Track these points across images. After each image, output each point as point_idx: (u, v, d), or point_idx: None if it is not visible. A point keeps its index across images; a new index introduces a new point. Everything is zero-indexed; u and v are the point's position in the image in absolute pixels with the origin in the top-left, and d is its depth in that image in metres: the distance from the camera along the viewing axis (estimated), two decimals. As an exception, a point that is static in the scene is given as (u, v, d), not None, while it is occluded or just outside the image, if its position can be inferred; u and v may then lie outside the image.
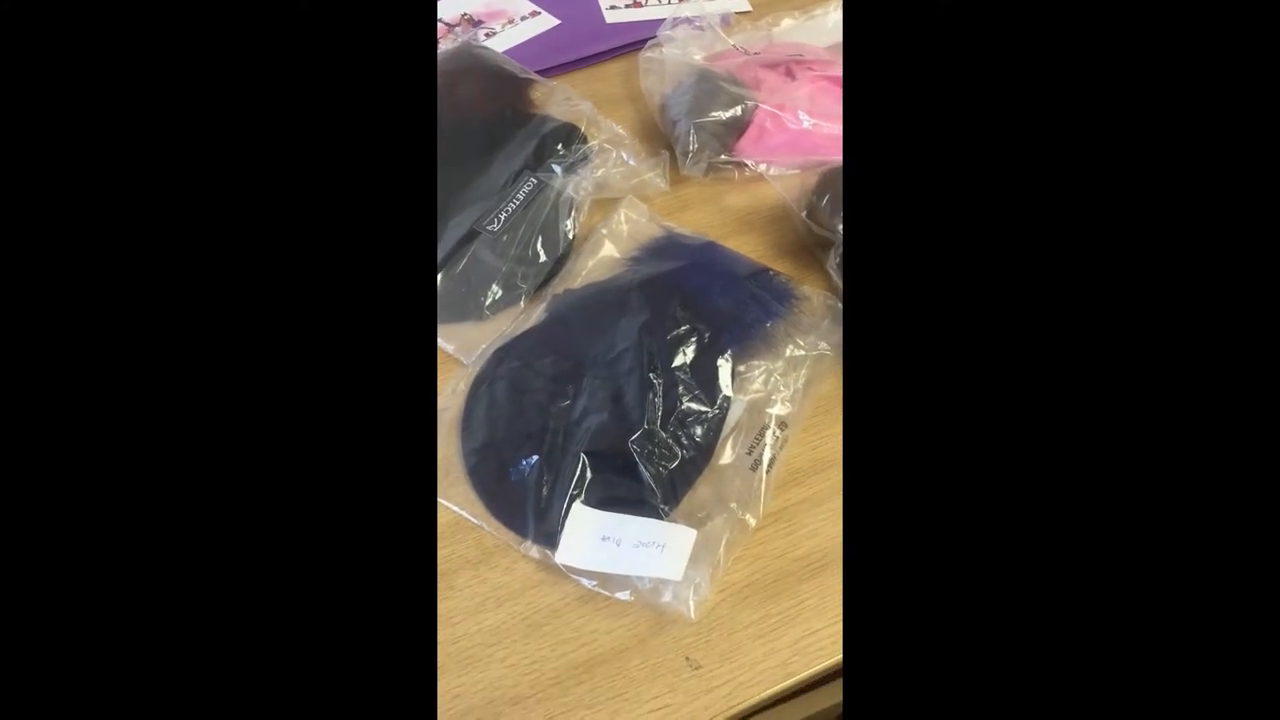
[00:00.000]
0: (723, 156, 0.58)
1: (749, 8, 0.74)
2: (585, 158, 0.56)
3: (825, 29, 0.70)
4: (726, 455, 0.44)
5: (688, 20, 0.66)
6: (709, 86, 0.59)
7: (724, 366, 0.45)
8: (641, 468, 0.41)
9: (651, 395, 0.43)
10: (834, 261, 0.50)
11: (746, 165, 0.59)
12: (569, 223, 0.54)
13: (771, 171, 0.59)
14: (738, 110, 0.58)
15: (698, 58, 0.64)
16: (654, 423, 0.42)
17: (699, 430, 0.43)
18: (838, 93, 0.63)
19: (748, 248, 0.54)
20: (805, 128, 0.59)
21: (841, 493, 0.44)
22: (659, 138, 0.61)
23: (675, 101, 0.59)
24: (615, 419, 0.43)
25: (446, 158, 0.57)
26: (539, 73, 0.63)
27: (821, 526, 0.43)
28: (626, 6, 0.74)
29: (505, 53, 0.67)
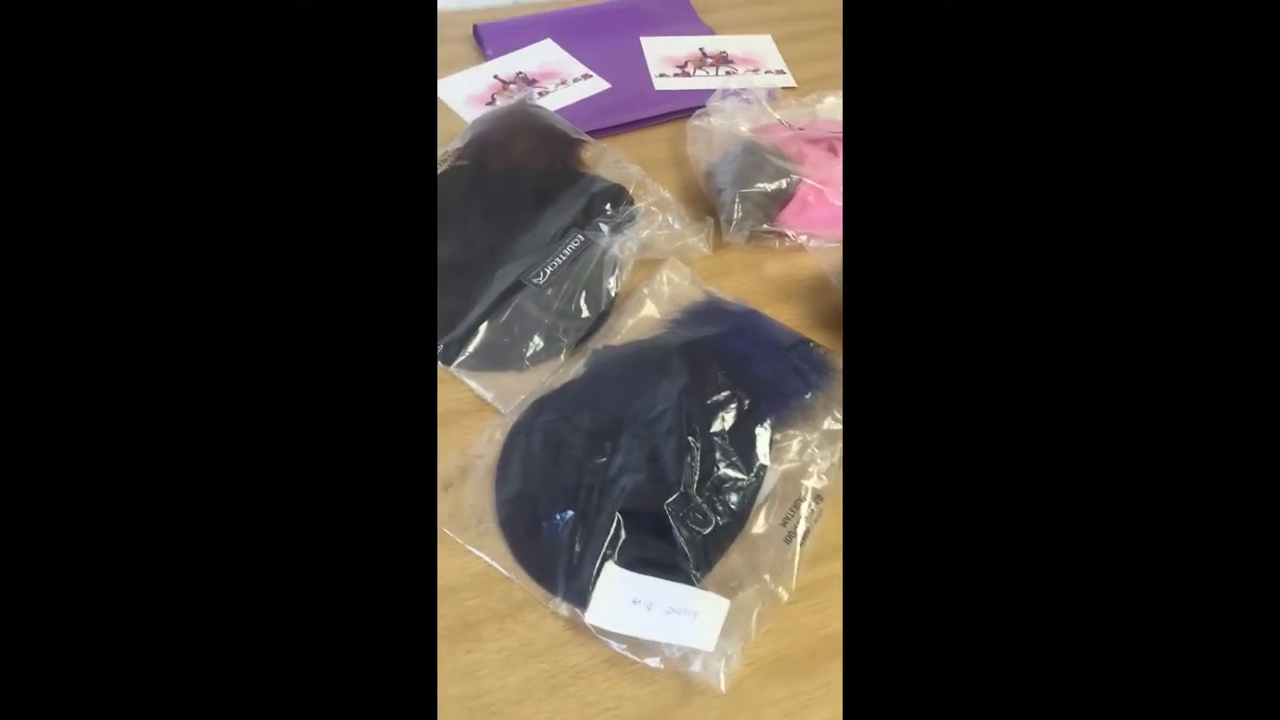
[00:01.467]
0: (765, 226, 0.59)
1: (794, 84, 0.77)
2: (631, 219, 0.57)
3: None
4: (760, 524, 0.43)
5: (735, 93, 0.68)
6: (755, 158, 0.60)
7: (762, 435, 0.45)
8: (676, 531, 0.41)
9: (689, 458, 0.43)
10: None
11: (787, 236, 0.60)
12: (612, 280, 0.55)
13: (811, 243, 0.60)
14: (783, 183, 0.59)
15: (744, 129, 0.66)
16: (690, 486, 0.42)
17: (734, 497, 0.43)
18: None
19: (785, 316, 0.54)
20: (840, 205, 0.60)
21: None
22: (702, 202, 0.62)
23: (722, 170, 0.61)
24: (652, 479, 0.43)
25: (497, 209, 0.59)
26: (588, 133, 0.65)
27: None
28: (675, 75, 0.76)
29: (556, 112, 0.69)
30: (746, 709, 0.38)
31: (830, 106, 0.72)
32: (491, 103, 0.71)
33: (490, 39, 0.77)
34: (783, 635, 0.41)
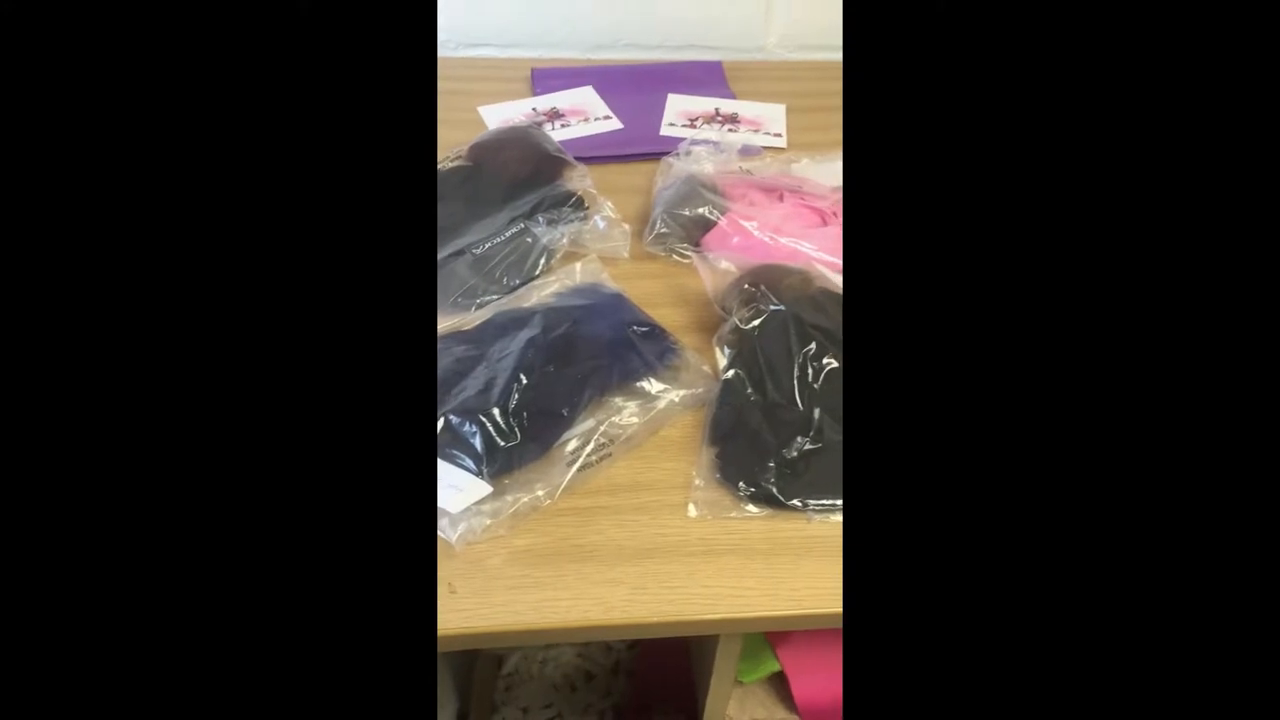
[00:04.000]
0: (684, 245, 0.69)
1: (784, 145, 0.86)
2: (569, 219, 0.69)
3: (834, 171, 0.80)
4: (557, 455, 0.53)
5: (711, 141, 0.79)
6: (689, 189, 0.71)
7: (583, 384, 0.55)
8: (480, 437, 0.51)
9: (514, 388, 0.54)
10: (717, 336, 0.59)
11: (707, 257, 0.69)
12: (540, 262, 0.67)
13: (722, 264, 0.69)
14: (705, 210, 0.69)
15: (707, 169, 0.76)
16: (505, 410, 0.53)
17: (543, 424, 0.53)
18: (813, 219, 0.72)
19: (670, 315, 0.64)
20: (763, 240, 0.69)
21: (643, 513, 0.51)
22: (645, 222, 0.73)
23: (662, 194, 0.72)
24: (478, 397, 0.53)
25: (475, 199, 0.73)
26: (586, 159, 0.79)
27: (611, 531, 0.50)
28: (683, 126, 0.88)
29: (569, 140, 0.83)
30: (482, 570, 0.48)
31: (802, 166, 0.81)
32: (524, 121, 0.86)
33: (541, 79, 0.94)
34: (540, 535, 0.50)
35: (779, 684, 0.62)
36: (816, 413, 0.55)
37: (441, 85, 0.90)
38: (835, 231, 0.72)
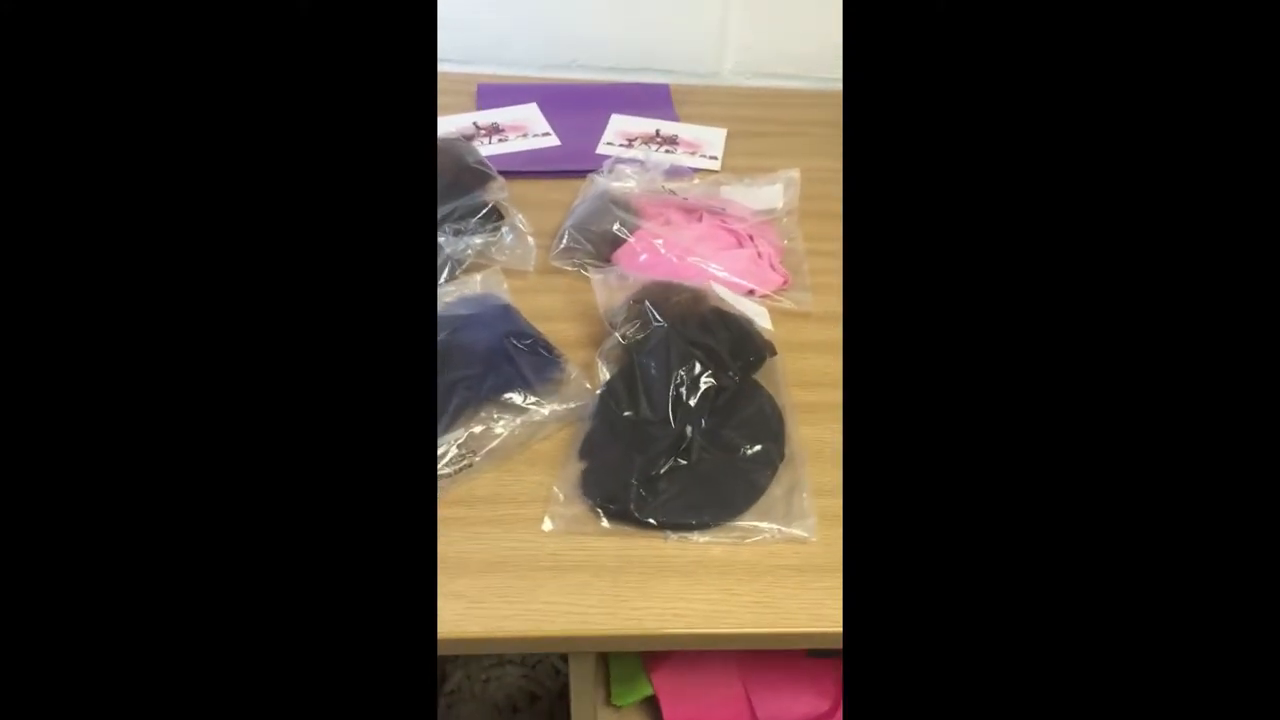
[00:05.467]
0: (592, 261, 0.69)
1: (718, 169, 0.86)
2: (477, 230, 0.69)
3: (761, 196, 0.80)
4: (422, 461, 0.52)
5: (637, 160, 0.79)
6: (600, 205, 0.71)
7: (450, 392, 0.54)
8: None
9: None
10: (600, 351, 0.59)
11: (606, 274, 0.69)
12: (445, 272, 0.67)
13: (630, 279, 0.68)
14: (614, 226, 0.69)
15: (630, 187, 0.77)
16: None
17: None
18: (728, 241, 0.72)
19: (563, 330, 0.63)
20: (670, 259, 0.69)
21: (497, 525, 0.51)
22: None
23: (574, 210, 0.72)
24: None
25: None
26: (515, 173, 0.79)
27: (462, 543, 0.50)
28: (620, 145, 0.88)
29: (501, 155, 0.84)
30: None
31: (731, 189, 0.81)
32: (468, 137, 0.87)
33: (486, 95, 0.95)
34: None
35: (654, 708, 0.60)
36: (688, 430, 0.54)
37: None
38: (748, 253, 0.71)
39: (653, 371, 0.56)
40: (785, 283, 0.70)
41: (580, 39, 1.00)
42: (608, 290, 0.62)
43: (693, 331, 0.58)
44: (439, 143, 0.79)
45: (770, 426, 0.56)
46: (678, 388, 0.55)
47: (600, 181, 0.76)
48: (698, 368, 0.56)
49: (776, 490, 0.53)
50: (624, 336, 0.58)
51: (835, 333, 0.65)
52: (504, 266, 0.68)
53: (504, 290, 0.65)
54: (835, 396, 0.57)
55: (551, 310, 0.66)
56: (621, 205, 0.71)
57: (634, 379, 0.56)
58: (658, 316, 0.58)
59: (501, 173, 0.80)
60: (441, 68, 1.02)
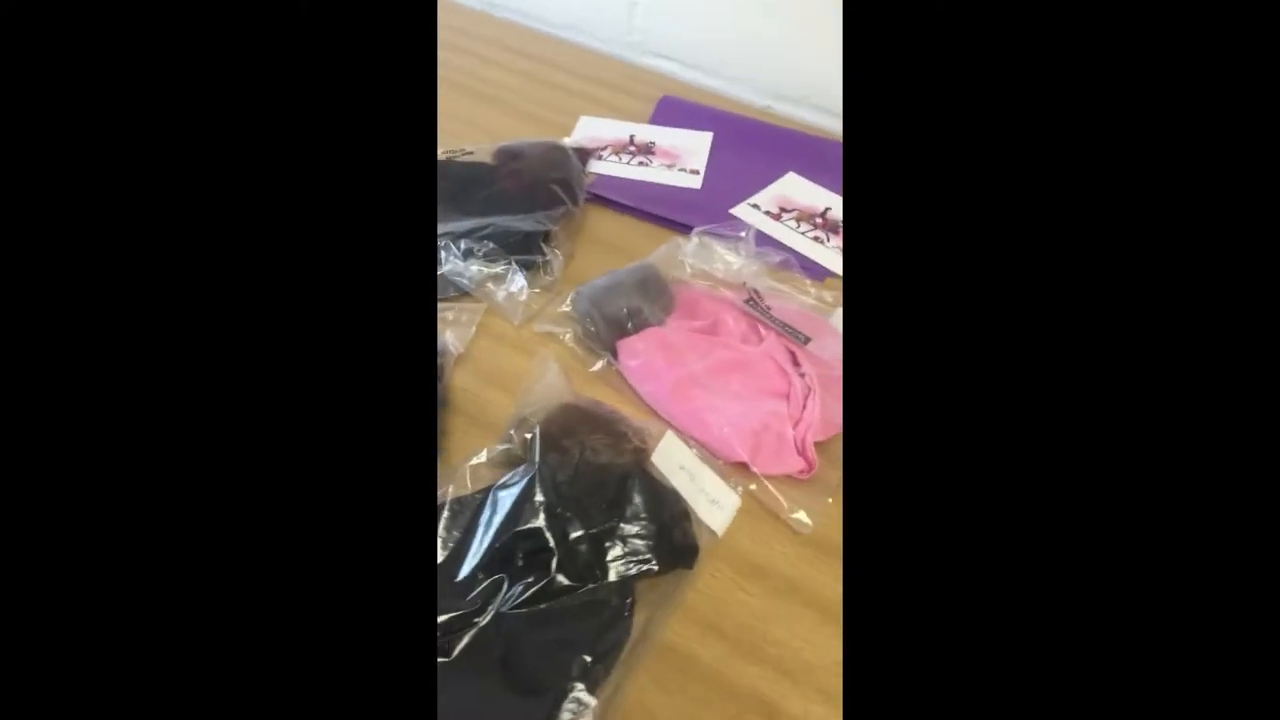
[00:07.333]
0: (588, 342, 0.57)
1: (839, 273, 0.67)
2: (500, 257, 0.60)
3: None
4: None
5: (736, 236, 0.64)
6: (629, 284, 0.57)
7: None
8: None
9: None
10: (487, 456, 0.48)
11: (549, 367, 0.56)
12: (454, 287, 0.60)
13: (553, 375, 0.55)
14: (624, 311, 0.56)
15: (713, 269, 0.62)
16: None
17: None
18: (771, 385, 0.55)
19: (493, 399, 0.53)
20: (662, 376, 0.54)
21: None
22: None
23: (613, 272, 0.59)
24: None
25: (462, 194, 0.67)
26: (629, 208, 0.70)
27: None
28: (765, 214, 0.72)
29: (629, 182, 0.73)
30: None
31: (839, 318, 0.62)
32: (604, 149, 0.77)
33: (663, 110, 0.83)
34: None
35: None
36: (487, 614, 0.42)
37: (573, 84, 0.85)
38: (781, 413, 0.53)
39: (504, 513, 0.44)
40: (806, 470, 0.52)
41: (819, 74, 0.84)
42: (543, 383, 0.51)
43: (568, 486, 0.44)
44: (543, 145, 0.71)
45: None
46: (503, 548, 0.43)
47: (685, 248, 0.62)
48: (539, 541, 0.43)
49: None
50: (511, 447, 0.46)
51: (821, 571, 0.47)
52: (493, 307, 0.59)
53: (450, 334, 0.56)
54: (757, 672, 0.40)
55: (493, 371, 0.55)
56: (654, 293, 0.57)
57: (490, 507, 0.44)
58: (537, 455, 0.45)
59: (598, 197, 0.70)
60: (670, 68, 0.92)
